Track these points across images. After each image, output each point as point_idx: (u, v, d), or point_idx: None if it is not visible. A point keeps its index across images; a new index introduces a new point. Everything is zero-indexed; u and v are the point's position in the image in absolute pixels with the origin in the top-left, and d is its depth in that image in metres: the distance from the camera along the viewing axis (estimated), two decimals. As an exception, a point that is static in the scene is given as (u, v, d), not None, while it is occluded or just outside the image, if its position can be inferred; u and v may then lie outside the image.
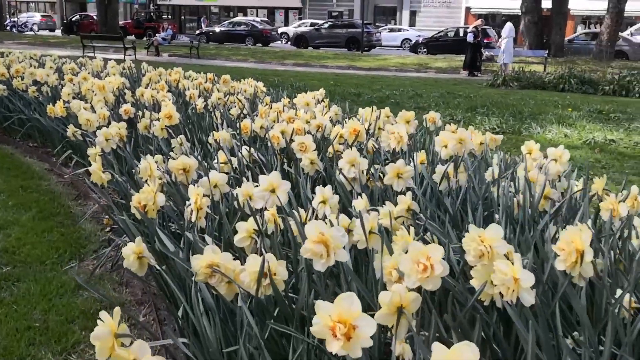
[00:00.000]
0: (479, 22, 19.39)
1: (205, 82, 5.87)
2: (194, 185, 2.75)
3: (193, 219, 2.12)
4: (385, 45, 33.03)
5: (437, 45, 28.65)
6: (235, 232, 2.13)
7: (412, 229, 1.77)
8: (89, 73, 6.20)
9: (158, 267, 2.05)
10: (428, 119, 3.93)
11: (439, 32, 30.23)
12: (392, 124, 4.05)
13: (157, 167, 2.65)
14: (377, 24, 37.65)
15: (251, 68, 18.37)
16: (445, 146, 2.90)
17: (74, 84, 5.68)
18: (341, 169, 2.63)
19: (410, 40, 32.82)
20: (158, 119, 3.96)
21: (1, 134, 6.51)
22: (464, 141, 2.86)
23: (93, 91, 5.11)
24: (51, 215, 3.98)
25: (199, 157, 3.19)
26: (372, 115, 3.93)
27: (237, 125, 4.19)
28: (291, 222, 2.06)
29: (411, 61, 22.56)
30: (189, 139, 3.80)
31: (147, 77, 6.08)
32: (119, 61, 8.14)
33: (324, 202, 2.12)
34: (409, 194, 2.16)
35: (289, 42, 33.74)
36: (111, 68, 6.86)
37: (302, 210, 2.21)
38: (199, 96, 5.09)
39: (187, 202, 2.19)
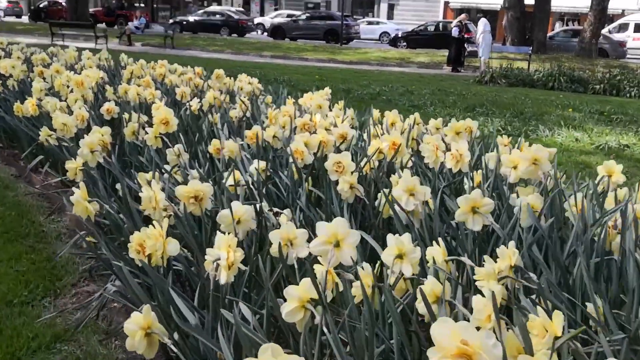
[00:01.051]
0: (463, 16, 18.90)
1: (195, 77, 5.23)
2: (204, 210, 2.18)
3: (222, 281, 1.54)
4: (363, 38, 32.43)
5: (417, 39, 28.18)
6: (277, 294, 1.58)
7: (558, 315, 1.22)
8: (62, 65, 5.51)
9: (175, 349, 1.46)
10: (464, 128, 3.36)
11: (419, 26, 29.75)
12: (423, 132, 3.53)
13: (163, 194, 2.05)
14: (354, 17, 37.01)
15: (229, 60, 17.64)
16: (515, 167, 2.37)
17: (44, 78, 4.99)
18: (396, 199, 2.07)
19: (389, 34, 32.31)
20: (147, 122, 3.36)
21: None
22: (540, 161, 2.32)
23: (68, 86, 4.46)
24: (19, 236, 3.34)
25: (206, 176, 2.60)
26: (403, 122, 3.37)
27: (239, 130, 3.61)
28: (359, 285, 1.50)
29: (392, 55, 22.07)
30: (187, 150, 3.19)
31: (129, 70, 5.41)
32: (93, 51, 7.42)
33: (400, 256, 1.56)
34: (512, 244, 1.61)
35: (265, 33, 32.92)
36: (87, 60, 6.15)
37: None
38: (191, 94, 4.46)
39: (213, 256, 1.59)
